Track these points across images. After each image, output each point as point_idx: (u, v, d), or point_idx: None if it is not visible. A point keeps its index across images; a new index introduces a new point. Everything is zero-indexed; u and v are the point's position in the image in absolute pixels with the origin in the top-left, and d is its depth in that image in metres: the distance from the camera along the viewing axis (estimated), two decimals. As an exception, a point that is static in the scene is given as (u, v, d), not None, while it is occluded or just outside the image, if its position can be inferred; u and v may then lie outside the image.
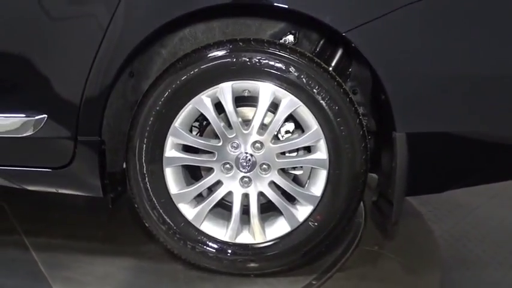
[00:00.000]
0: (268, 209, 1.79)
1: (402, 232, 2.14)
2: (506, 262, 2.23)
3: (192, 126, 1.80)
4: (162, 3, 1.59)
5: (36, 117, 1.69)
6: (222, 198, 1.74)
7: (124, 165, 1.76)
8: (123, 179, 1.82)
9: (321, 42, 1.86)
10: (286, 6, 1.57)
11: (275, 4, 1.58)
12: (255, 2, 1.65)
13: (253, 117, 1.66)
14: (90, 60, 1.62)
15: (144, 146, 1.68)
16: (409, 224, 2.24)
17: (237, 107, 1.68)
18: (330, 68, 1.75)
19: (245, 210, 1.74)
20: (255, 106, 1.66)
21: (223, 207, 1.81)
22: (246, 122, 1.69)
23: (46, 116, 1.69)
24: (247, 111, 1.74)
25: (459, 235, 2.48)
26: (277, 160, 1.68)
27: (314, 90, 1.61)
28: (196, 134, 1.79)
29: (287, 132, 1.73)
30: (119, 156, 1.84)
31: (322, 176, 1.67)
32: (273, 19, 1.78)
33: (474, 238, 2.45)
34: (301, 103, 1.62)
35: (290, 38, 1.82)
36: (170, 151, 1.69)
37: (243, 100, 1.72)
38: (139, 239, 1.94)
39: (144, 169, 1.70)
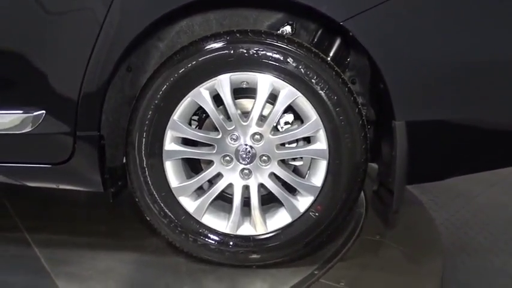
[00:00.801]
0: (269, 201, 1.78)
1: (403, 221, 2.14)
2: (506, 249, 2.24)
3: (192, 119, 1.79)
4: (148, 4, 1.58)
5: (35, 114, 1.68)
6: (223, 191, 1.74)
7: (124, 160, 1.76)
8: (124, 173, 1.82)
9: (319, 32, 1.85)
10: None
11: None
12: None
13: (252, 109, 1.65)
14: (87, 54, 1.61)
15: (144, 139, 1.68)
16: (410, 212, 2.24)
17: (236, 98, 1.67)
18: (328, 58, 1.75)
19: (246, 202, 1.74)
20: (254, 98, 1.65)
21: (224, 200, 1.80)
22: (245, 114, 1.69)
23: (44, 111, 1.68)
24: (246, 103, 1.73)
25: (460, 223, 2.49)
26: (277, 151, 1.67)
27: (312, 80, 1.60)
28: (195, 128, 1.78)
29: (286, 123, 1.73)
30: (119, 150, 1.84)
31: (322, 166, 1.66)
32: (270, 10, 1.78)
33: (475, 226, 2.46)
34: (299, 94, 1.62)
35: (288, 28, 1.81)
36: (170, 144, 1.68)
37: (241, 92, 1.71)
38: (141, 233, 1.94)
39: (144, 163, 1.70)
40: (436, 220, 2.35)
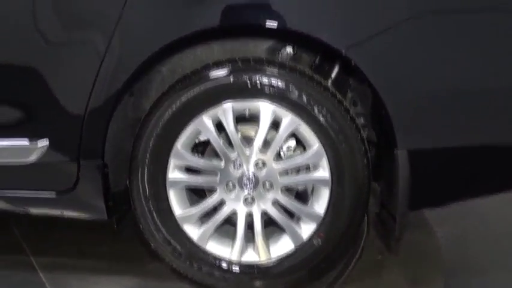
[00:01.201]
0: (272, 222, 1.78)
1: (404, 235, 2.14)
2: (507, 264, 2.24)
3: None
4: (155, 29, 1.59)
5: (39, 143, 1.69)
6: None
7: (128, 182, 1.76)
8: (127, 196, 1.82)
9: (319, 54, 1.85)
10: (275, 27, 1.56)
11: (267, 26, 1.57)
12: (245, 24, 1.62)
13: (254, 137, 1.66)
14: (89, 85, 1.62)
15: (147, 168, 1.69)
16: (411, 225, 2.23)
17: (238, 123, 1.67)
18: (330, 79, 1.74)
19: (250, 225, 1.74)
20: (256, 123, 1.66)
21: (227, 222, 1.80)
22: (248, 139, 1.69)
23: (48, 141, 1.69)
24: (249, 129, 1.73)
25: (461, 236, 2.48)
26: (279, 178, 1.68)
27: (315, 108, 1.61)
28: (198, 147, 1.78)
29: (288, 148, 1.73)
30: (123, 174, 1.84)
31: (325, 193, 1.67)
32: (270, 36, 1.77)
33: (476, 239, 2.45)
34: (302, 122, 1.62)
35: (289, 49, 1.80)
36: (173, 173, 1.69)
37: (244, 117, 1.71)
38: (145, 257, 1.94)
39: (148, 192, 1.70)
40: (437, 233, 2.35)
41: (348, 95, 1.87)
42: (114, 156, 1.80)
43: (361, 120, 1.84)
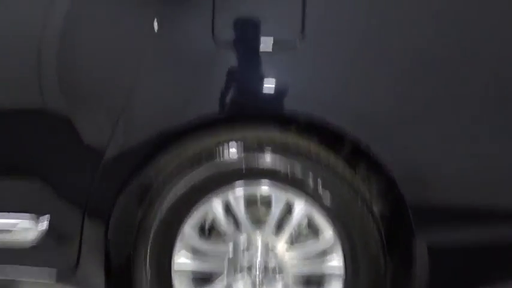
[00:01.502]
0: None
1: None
2: None
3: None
4: (158, 118, 1.56)
5: (40, 225, 1.63)
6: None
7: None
8: (128, 265, 1.74)
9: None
10: (286, 116, 1.53)
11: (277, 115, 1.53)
12: (254, 113, 1.57)
13: (265, 222, 1.59)
14: (95, 166, 1.57)
15: (150, 251, 1.61)
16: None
17: (248, 203, 1.60)
18: (344, 154, 1.67)
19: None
20: (268, 205, 1.59)
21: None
22: (257, 221, 1.62)
23: (48, 222, 1.63)
24: (259, 211, 1.65)
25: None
26: (290, 265, 1.61)
27: (328, 195, 1.54)
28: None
29: (300, 229, 1.66)
30: (124, 247, 1.76)
31: (338, 284, 1.60)
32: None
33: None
34: (315, 209, 1.56)
35: (298, 128, 1.72)
36: (179, 258, 1.62)
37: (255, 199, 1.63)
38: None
39: (150, 275, 1.63)
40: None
41: (360, 166, 1.80)
42: (116, 228, 1.73)
43: (373, 191, 1.77)
